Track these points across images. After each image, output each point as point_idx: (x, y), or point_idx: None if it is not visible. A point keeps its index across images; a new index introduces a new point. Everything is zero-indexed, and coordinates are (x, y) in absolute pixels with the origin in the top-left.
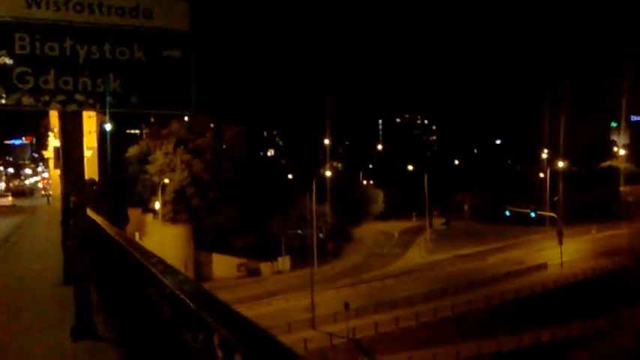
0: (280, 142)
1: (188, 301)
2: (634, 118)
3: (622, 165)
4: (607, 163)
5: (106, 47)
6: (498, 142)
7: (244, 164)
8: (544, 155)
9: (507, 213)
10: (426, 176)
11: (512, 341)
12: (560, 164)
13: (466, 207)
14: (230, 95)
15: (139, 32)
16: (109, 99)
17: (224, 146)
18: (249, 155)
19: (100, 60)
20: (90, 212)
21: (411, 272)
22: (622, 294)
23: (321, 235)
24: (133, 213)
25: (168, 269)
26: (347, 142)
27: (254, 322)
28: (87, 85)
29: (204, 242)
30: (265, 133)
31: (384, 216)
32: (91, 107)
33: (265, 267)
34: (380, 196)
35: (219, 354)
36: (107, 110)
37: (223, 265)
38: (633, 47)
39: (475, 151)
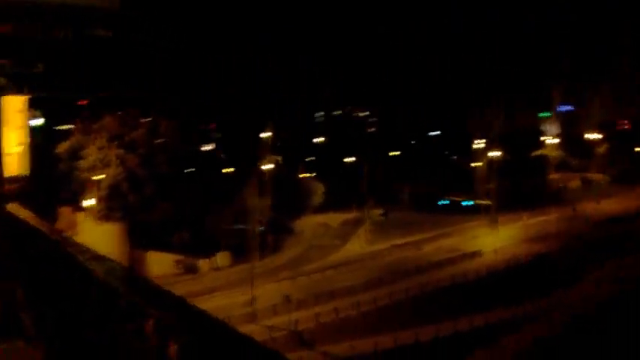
0: (218, 136)
1: (118, 286)
2: (562, 108)
3: (552, 153)
4: (538, 152)
5: (31, 27)
6: (435, 133)
7: (181, 158)
8: (478, 145)
9: (444, 202)
10: (365, 168)
11: (449, 327)
12: (495, 154)
13: (404, 197)
14: (166, 88)
15: (65, 11)
16: (34, 82)
17: (159, 140)
18: (185, 149)
19: (24, 41)
20: (15, 207)
21: (350, 263)
22: (552, 277)
23: (261, 228)
24: (65, 211)
25: (97, 257)
26: (286, 136)
27: (191, 304)
28: (7, 68)
29: (139, 240)
30: (202, 126)
31: (324, 208)
32: (15, 91)
33: (203, 263)
34: (320, 188)
35: (154, 341)
36: (34, 95)
37: (160, 263)
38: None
39: (413, 142)
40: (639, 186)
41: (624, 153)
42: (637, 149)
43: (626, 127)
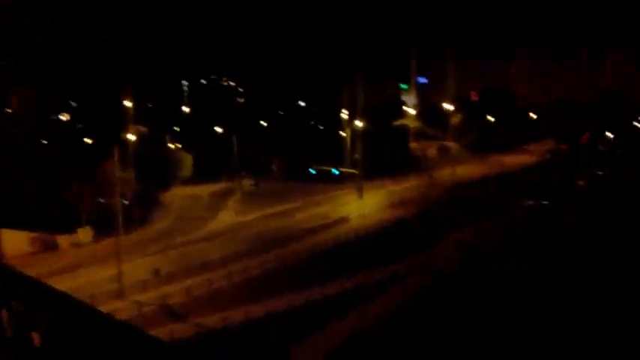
0: (74, 105)
1: None
2: (421, 81)
3: (412, 124)
4: (399, 122)
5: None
6: (303, 104)
7: (36, 130)
8: (346, 116)
9: (313, 171)
10: (234, 138)
11: (319, 291)
12: (360, 124)
13: (274, 167)
14: (18, 56)
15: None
16: None
17: (10, 111)
18: (41, 120)
19: None
20: None
21: (222, 234)
22: (413, 240)
23: (126, 202)
24: None
25: None
26: (150, 105)
27: (49, 285)
28: None
29: None
30: (59, 96)
31: (193, 180)
32: None
33: (63, 240)
34: (188, 159)
35: (10, 332)
36: None
37: (14, 241)
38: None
39: (281, 113)
40: (488, 153)
41: (475, 123)
42: (486, 119)
43: (473, 99)
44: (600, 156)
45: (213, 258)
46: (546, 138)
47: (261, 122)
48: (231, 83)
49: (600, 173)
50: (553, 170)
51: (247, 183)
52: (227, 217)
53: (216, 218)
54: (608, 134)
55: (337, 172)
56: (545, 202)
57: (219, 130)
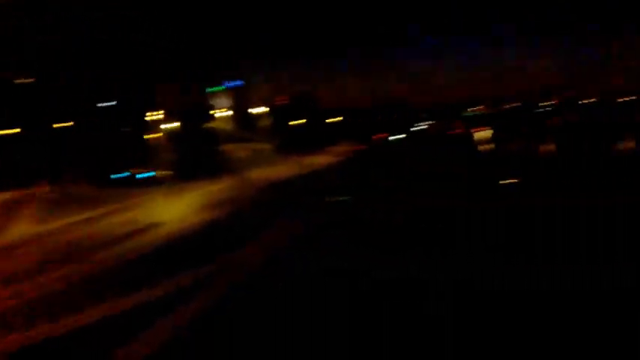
0: None
1: None
2: (234, 83)
3: (224, 126)
4: (212, 124)
5: None
6: (111, 104)
7: None
8: (157, 117)
9: (121, 175)
10: (31, 141)
11: (143, 296)
12: (171, 125)
13: (78, 171)
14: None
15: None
16: None
17: None
18: None
19: None
20: None
21: (18, 246)
22: (227, 240)
23: None
24: None
25: None
26: None
27: None
28: None
29: None
30: None
31: None
32: None
33: None
34: None
35: None
36: None
37: None
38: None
39: (84, 113)
40: (296, 155)
41: (283, 126)
42: (292, 122)
43: (281, 103)
44: (396, 155)
45: (8, 273)
46: (348, 139)
47: (65, 124)
48: (28, 80)
49: (400, 171)
50: (354, 169)
51: (46, 189)
52: (24, 227)
53: (11, 229)
54: (401, 135)
55: (148, 175)
56: (347, 198)
57: (13, 131)
